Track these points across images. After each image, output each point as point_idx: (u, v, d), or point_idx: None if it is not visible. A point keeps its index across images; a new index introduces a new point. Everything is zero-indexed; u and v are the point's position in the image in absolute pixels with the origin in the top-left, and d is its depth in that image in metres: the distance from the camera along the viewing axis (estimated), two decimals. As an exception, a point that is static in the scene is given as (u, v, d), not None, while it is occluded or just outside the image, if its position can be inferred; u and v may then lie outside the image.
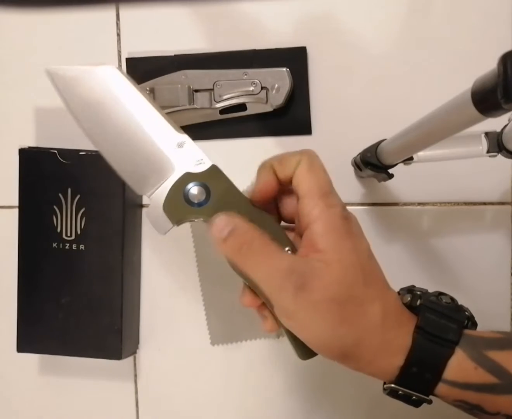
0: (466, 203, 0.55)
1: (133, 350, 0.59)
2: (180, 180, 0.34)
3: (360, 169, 0.52)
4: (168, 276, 0.59)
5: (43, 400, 0.62)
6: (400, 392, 0.33)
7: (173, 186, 0.34)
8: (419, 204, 0.56)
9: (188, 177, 0.34)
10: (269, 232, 0.33)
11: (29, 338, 0.57)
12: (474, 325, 0.34)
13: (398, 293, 0.36)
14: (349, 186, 0.56)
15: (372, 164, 0.48)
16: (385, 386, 0.34)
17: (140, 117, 0.35)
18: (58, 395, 0.62)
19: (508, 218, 0.55)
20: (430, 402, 0.33)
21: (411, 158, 0.46)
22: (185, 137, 0.35)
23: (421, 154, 0.46)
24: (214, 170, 0.34)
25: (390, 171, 0.48)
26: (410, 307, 0.34)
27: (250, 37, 0.56)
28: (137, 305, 0.60)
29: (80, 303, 0.56)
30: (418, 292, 0.35)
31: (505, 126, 0.45)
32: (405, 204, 0.56)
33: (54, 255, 0.56)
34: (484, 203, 0.55)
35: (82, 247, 0.56)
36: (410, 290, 0.36)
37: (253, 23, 0.56)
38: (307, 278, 0.31)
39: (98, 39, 0.59)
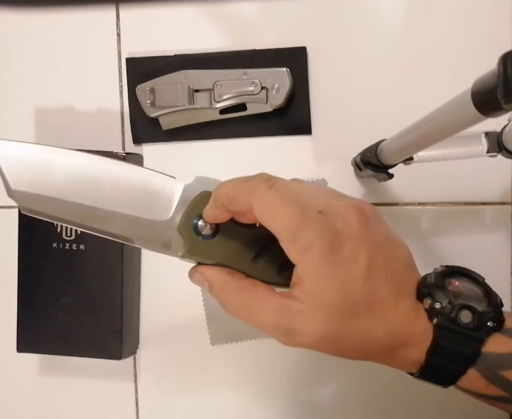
0: (466, 203, 0.55)
1: (133, 350, 0.59)
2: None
3: (360, 169, 0.52)
4: (168, 276, 0.59)
5: (43, 400, 0.62)
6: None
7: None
8: (419, 204, 0.56)
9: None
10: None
11: (29, 338, 0.57)
12: (500, 323, 0.32)
13: (421, 291, 0.33)
14: (349, 186, 0.56)
15: (372, 164, 0.48)
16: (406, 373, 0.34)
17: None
18: (58, 395, 0.62)
19: (508, 218, 0.55)
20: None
21: (411, 158, 0.46)
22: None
23: (421, 154, 0.46)
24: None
25: (390, 171, 0.48)
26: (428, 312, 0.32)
27: (250, 37, 0.56)
28: (137, 305, 0.60)
29: (80, 303, 0.56)
30: (437, 306, 0.32)
31: (505, 126, 0.45)
32: (405, 204, 0.56)
33: (54, 255, 0.56)
34: (484, 203, 0.55)
35: (82, 247, 0.56)
36: (431, 295, 0.32)
37: (253, 23, 0.56)
38: (293, 326, 0.30)
39: (98, 39, 0.59)
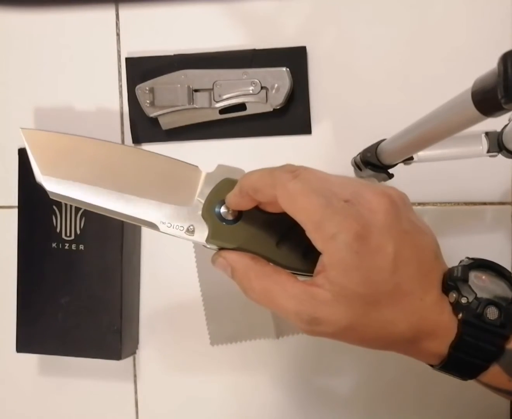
0: (466, 203, 0.55)
1: (133, 350, 0.59)
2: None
3: (360, 169, 0.52)
4: (167, 276, 0.59)
5: (43, 400, 0.62)
6: None
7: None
8: (419, 204, 0.56)
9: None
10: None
11: (29, 338, 0.57)
12: None
13: (447, 284, 0.32)
14: (349, 186, 0.56)
15: (372, 164, 0.48)
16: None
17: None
18: (57, 395, 0.62)
19: (508, 218, 0.55)
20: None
21: (411, 158, 0.46)
22: None
23: (421, 154, 0.46)
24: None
25: (390, 171, 0.48)
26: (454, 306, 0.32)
27: (250, 37, 0.56)
28: (136, 305, 0.60)
29: (80, 303, 0.56)
30: (463, 301, 0.31)
31: (506, 126, 0.45)
32: (405, 204, 0.56)
33: (54, 255, 0.56)
34: (484, 203, 0.55)
35: (81, 247, 0.56)
36: (458, 288, 0.31)
37: (253, 23, 0.56)
38: (317, 314, 0.29)
39: (97, 39, 0.59)
